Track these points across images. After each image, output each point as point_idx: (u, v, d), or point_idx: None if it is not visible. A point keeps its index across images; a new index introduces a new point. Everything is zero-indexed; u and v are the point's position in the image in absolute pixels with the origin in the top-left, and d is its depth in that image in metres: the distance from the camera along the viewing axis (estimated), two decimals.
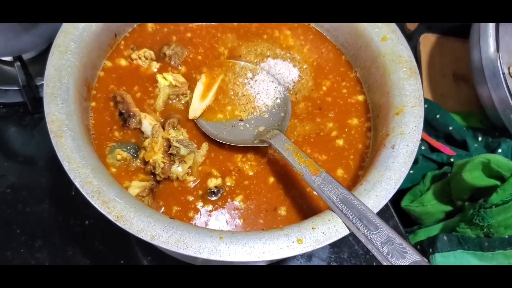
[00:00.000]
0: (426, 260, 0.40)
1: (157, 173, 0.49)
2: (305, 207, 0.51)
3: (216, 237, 0.41)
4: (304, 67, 0.60)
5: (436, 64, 1.02)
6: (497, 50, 0.80)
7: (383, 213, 0.73)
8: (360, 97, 0.59)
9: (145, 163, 0.49)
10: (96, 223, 0.66)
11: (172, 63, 0.58)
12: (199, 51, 0.60)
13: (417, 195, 0.80)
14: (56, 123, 0.45)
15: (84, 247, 0.65)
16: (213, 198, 0.50)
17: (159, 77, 0.55)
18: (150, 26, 0.60)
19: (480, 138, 0.87)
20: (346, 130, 0.56)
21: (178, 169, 0.49)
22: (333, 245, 0.70)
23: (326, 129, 0.56)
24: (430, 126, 0.88)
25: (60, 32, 0.50)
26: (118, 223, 0.40)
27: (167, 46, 0.58)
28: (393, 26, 0.57)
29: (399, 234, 0.70)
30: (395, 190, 0.46)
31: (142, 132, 0.52)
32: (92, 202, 0.41)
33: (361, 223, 0.41)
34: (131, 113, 0.52)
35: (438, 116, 0.87)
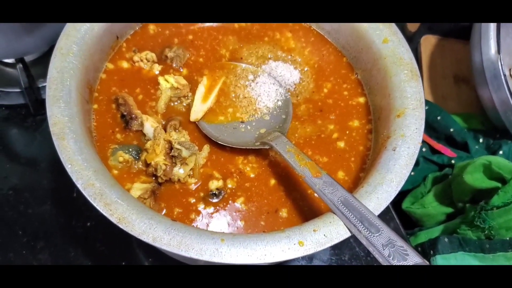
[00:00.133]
0: (427, 262, 0.40)
1: (158, 175, 0.49)
2: (306, 209, 0.51)
3: (218, 239, 0.41)
4: (305, 69, 0.61)
5: (437, 66, 1.02)
6: (498, 51, 0.80)
7: (384, 215, 0.73)
8: (361, 99, 0.59)
9: (147, 165, 0.50)
10: (98, 225, 0.66)
11: (174, 65, 0.58)
12: (200, 53, 0.60)
13: (418, 197, 0.80)
14: (58, 125, 0.45)
15: (86, 248, 0.65)
16: (215, 200, 0.50)
17: (161, 79, 0.55)
18: (151, 28, 0.60)
19: (481, 140, 0.86)
20: (347, 132, 0.56)
21: (179, 171, 0.50)
22: (334, 247, 0.70)
23: (327, 131, 0.56)
24: (431, 127, 0.88)
25: (62, 35, 0.50)
26: (120, 225, 0.41)
27: (169, 49, 0.58)
28: (394, 28, 0.57)
29: (400, 236, 0.70)
30: (396, 192, 0.46)
31: (144, 134, 0.52)
32: (95, 204, 0.41)
33: (362, 226, 0.41)
34: (133, 115, 0.52)
35: (439, 117, 0.87)
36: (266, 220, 0.50)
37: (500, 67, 0.79)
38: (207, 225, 0.49)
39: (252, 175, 0.52)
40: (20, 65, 0.70)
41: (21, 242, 0.64)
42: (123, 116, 0.53)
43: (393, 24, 0.57)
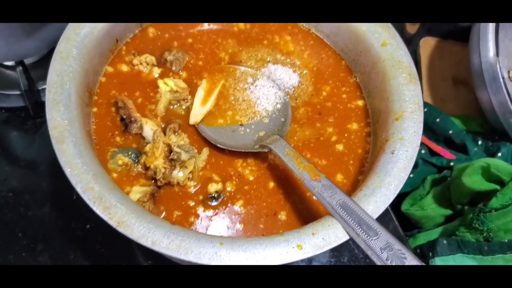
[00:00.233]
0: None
1: (158, 178, 0.49)
2: (305, 212, 0.51)
3: (217, 242, 0.41)
4: (304, 72, 0.61)
5: (436, 68, 1.03)
6: (497, 54, 0.80)
7: (382, 217, 0.72)
8: (360, 102, 0.59)
9: (146, 168, 0.50)
10: (97, 227, 0.66)
11: (173, 68, 0.58)
12: (200, 56, 0.60)
13: (417, 199, 0.80)
14: (58, 129, 0.45)
15: (86, 250, 0.65)
16: (214, 203, 0.50)
17: (160, 82, 0.55)
18: (151, 31, 0.60)
19: (480, 142, 0.87)
20: (346, 135, 0.56)
21: (179, 174, 0.50)
22: (333, 249, 0.71)
23: (326, 134, 0.56)
24: (430, 130, 0.88)
25: (62, 38, 0.50)
26: (119, 229, 0.41)
27: (168, 52, 0.58)
28: (392, 31, 0.57)
29: (399, 237, 0.71)
30: (395, 195, 0.46)
31: (143, 138, 0.52)
32: (94, 208, 0.42)
33: (360, 229, 0.42)
34: (133, 119, 0.52)
35: (438, 120, 0.87)
36: (265, 223, 0.50)
37: (498, 70, 0.79)
38: (206, 228, 0.49)
39: (251, 178, 0.53)
40: (20, 68, 0.70)
41: (21, 244, 0.64)
42: (122, 119, 0.53)
43: (392, 27, 0.57)
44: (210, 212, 0.50)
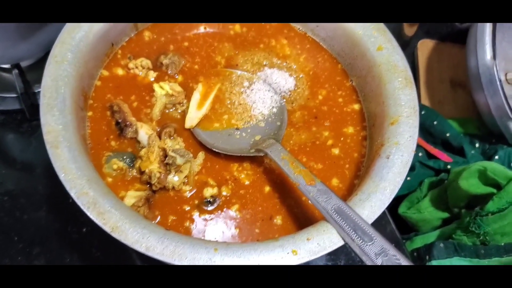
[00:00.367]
0: None
1: (153, 182, 0.49)
2: (301, 216, 0.51)
3: (211, 248, 0.41)
4: (301, 76, 0.61)
5: (434, 70, 1.03)
6: (494, 57, 0.80)
7: (379, 220, 0.72)
8: (356, 106, 0.59)
9: (141, 172, 0.50)
10: (94, 231, 0.66)
11: (169, 72, 0.58)
12: (196, 60, 0.60)
13: (414, 202, 0.80)
14: (52, 133, 0.45)
15: (82, 254, 0.65)
16: (209, 207, 0.50)
17: (155, 86, 0.55)
18: (147, 35, 0.60)
19: (477, 145, 0.87)
20: (341, 139, 0.56)
21: (174, 179, 0.50)
22: (330, 252, 0.70)
23: (322, 138, 0.56)
24: (427, 132, 0.88)
25: (56, 43, 0.50)
26: (113, 234, 0.41)
27: (164, 55, 0.58)
28: (388, 35, 0.57)
29: (396, 241, 0.71)
30: (390, 200, 0.46)
31: (139, 142, 0.52)
32: (88, 213, 0.42)
33: (355, 234, 0.42)
34: (128, 123, 0.52)
35: (435, 122, 0.87)
36: (260, 227, 0.50)
37: (495, 73, 0.79)
38: (202, 233, 0.49)
39: (247, 182, 0.52)
40: (16, 71, 0.70)
41: (17, 248, 0.64)
42: (117, 123, 0.53)
43: (388, 32, 0.57)
44: (205, 217, 0.50)
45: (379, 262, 0.40)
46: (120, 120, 0.52)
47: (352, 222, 0.42)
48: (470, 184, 0.71)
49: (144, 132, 0.52)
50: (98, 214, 0.41)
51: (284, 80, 0.59)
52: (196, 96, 0.56)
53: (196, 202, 0.50)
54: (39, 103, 0.46)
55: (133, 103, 0.55)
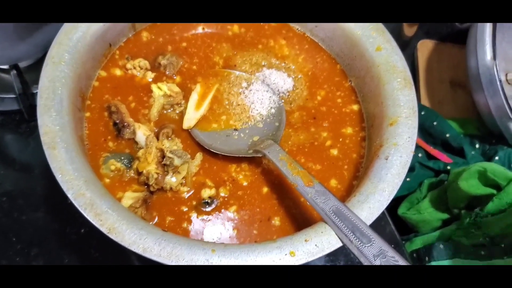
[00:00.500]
0: None
1: (150, 183, 0.49)
2: (299, 217, 0.51)
3: (209, 250, 0.41)
4: (299, 76, 0.60)
5: (434, 70, 1.02)
6: (494, 57, 0.80)
7: (379, 221, 0.73)
8: (355, 107, 0.59)
9: (139, 173, 0.49)
10: (92, 232, 0.65)
11: (167, 73, 0.58)
12: (194, 60, 0.60)
13: (414, 202, 0.80)
14: (49, 134, 0.45)
15: (80, 255, 0.65)
16: (207, 208, 0.50)
17: (153, 87, 0.55)
18: (145, 35, 0.60)
19: (477, 146, 0.86)
20: (340, 139, 0.56)
21: (171, 180, 0.49)
22: (329, 253, 0.70)
23: (320, 139, 0.56)
24: (427, 133, 0.88)
25: (54, 43, 0.50)
26: (110, 236, 0.41)
27: (162, 56, 0.58)
28: (387, 36, 0.57)
29: (395, 242, 0.71)
30: (389, 201, 0.46)
31: (136, 143, 0.52)
32: (85, 214, 0.41)
33: (354, 236, 0.41)
34: (125, 123, 0.52)
35: (435, 123, 0.87)
36: (258, 228, 0.50)
37: (495, 73, 0.79)
38: (200, 234, 0.49)
39: (245, 183, 0.52)
40: (14, 71, 0.70)
41: (15, 249, 0.64)
42: (115, 124, 0.52)
43: (387, 32, 0.57)
44: (203, 218, 0.50)
45: (377, 263, 0.40)
46: (117, 121, 0.52)
47: (350, 223, 0.42)
48: (470, 185, 0.71)
49: (142, 133, 0.51)
50: (95, 215, 0.41)
51: (283, 81, 0.59)
52: (194, 97, 0.56)
53: (194, 203, 0.50)
54: (36, 104, 0.46)
55: (131, 103, 0.55)
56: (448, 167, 0.81)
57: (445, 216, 0.78)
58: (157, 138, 0.52)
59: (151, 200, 0.49)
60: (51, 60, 0.49)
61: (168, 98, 0.55)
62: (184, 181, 0.51)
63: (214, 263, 0.40)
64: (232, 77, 0.58)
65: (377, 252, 0.40)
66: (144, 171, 0.49)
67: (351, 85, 0.60)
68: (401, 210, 0.81)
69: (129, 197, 0.48)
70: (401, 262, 0.39)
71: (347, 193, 0.52)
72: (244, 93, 0.57)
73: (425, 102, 0.97)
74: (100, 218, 0.41)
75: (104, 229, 0.41)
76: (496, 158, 0.82)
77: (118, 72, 0.57)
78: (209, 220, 0.50)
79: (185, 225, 0.49)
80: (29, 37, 0.65)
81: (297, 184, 0.46)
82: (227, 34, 0.62)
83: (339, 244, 0.42)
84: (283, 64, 0.61)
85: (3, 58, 0.68)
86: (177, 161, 0.49)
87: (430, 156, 0.85)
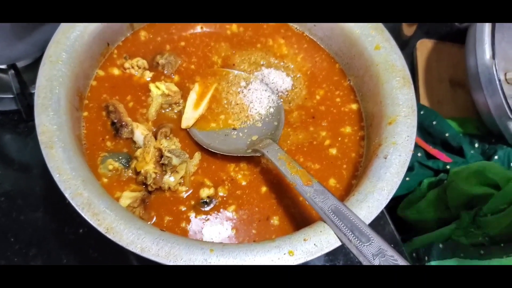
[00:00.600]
0: None
1: (148, 183, 0.48)
2: (298, 217, 0.51)
3: (207, 249, 0.40)
4: (298, 75, 0.60)
5: (433, 70, 1.02)
6: (493, 56, 0.80)
7: (378, 220, 0.73)
8: (354, 106, 0.59)
9: (137, 173, 0.49)
10: (90, 231, 0.64)
11: (165, 72, 0.58)
12: (192, 60, 0.60)
13: (413, 202, 0.80)
14: (47, 134, 0.45)
15: (79, 255, 0.65)
16: (206, 208, 0.50)
17: (152, 86, 0.55)
18: (143, 35, 0.60)
19: (476, 145, 0.86)
20: (339, 139, 0.56)
21: (170, 179, 0.49)
22: (328, 253, 0.70)
23: (319, 138, 0.56)
24: (426, 132, 0.88)
25: (51, 43, 0.50)
26: (108, 235, 0.40)
27: (160, 55, 0.58)
28: (386, 35, 0.57)
29: (395, 241, 0.71)
30: (388, 200, 0.46)
31: (134, 142, 0.52)
32: (82, 214, 0.41)
33: (352, 235, 0.41)
34: (123, 123, 0.52)
35: (434, 122, 0.87)
36: (257, 228, 0.50)
37: (495, 72, 0.79)
38: (198, 234, 0.49)
39: (243, 183, 0.52)
40: (12, 71, 0.70)
41: (13, 249, 0.64)
42: (113, 123, 0.52)
43: (385, 31, 0.57)
44: (201, 217, 0.49)
45: (376, 263, 0.39)
46: (115, 120, 0.52)
47: (349, 223, 0.42)
48: (469, 184, 0.71)
49: (140, 132, 0.51)
50: (92, 214, 0.41)
51: (282, 80, 0.59)
52: (192, 96, 0.56)
53: (193, 202, 0.50)
54: (34, 103, 0.46)
55: (129, 103, 0.55)
56: (448, 167, 0.81)
57: (444, 215, 0.78)
58: (155, 138, 0.52)
59: (149, 199, 0.49)
60: (48, 59, 0.49)
61: (166, 97, 0.54)
62: (182, 181, 0.50)
63: (212, 263, 0.40)
64: (231, 76, 0.58)
65: (376, 252, 0.40)
66: (142, 171, 0.48)
67: (350, 84, 0.60)
68: (401, 210, 0.81)
69: (127, 197, 0.48)
70: (401, 261, 0.39)
71: (346, 192, 0.52)
72: (242, 92, 0.57)
73: (424, 101, 0.97)
74: (97, 218, 0.41)
75: (102, 229, 0.41)
76: (496, 157, 0.82)
77: (116, 71, 0.57)
78: (208, 219, 0.49)
79: (183, 224, 0.49)
80: (27, 36, 0.65)
81: (296, 184, 0.46)
82: (225, 33, 0.62)
83: (338, 243, 0.42)
84: (282, 63, 0.61)
85: (1, 57, 0.68)
86: (175, 161, 0.49)
87: (429, 156, 0.85)
